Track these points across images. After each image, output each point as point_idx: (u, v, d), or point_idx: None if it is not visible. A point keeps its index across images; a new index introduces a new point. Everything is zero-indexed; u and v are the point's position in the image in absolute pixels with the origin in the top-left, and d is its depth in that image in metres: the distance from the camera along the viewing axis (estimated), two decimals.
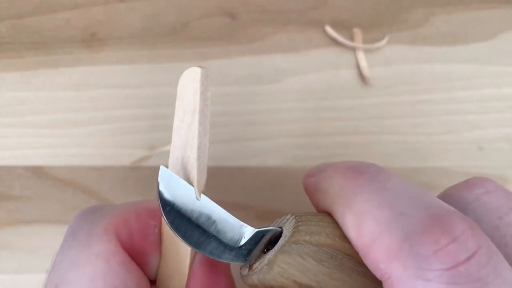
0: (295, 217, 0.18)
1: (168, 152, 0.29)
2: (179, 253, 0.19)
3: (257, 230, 0.18)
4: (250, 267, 0.18)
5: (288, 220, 0.18)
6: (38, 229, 0.29)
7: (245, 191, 0.29)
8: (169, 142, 0.29)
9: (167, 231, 0.19)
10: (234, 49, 0.30)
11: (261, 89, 0.30)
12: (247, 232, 0.18)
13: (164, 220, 0.18)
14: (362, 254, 0.16)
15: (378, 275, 0.16)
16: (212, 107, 0.30)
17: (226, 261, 0.18)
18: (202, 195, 0.17)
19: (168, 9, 0.31)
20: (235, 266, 0.19)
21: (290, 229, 0.17)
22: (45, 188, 0.29)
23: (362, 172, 0.17)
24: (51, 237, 0.29)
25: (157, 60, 0.30)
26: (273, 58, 0.30)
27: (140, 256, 0.19)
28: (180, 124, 0.18)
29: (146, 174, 0.29)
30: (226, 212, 0.18)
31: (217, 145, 0.29)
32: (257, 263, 0.18)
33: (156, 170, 0.29)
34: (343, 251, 0.17)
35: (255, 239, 0.18)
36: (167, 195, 0.17)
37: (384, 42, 0.30)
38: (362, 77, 0.30)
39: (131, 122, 0.30)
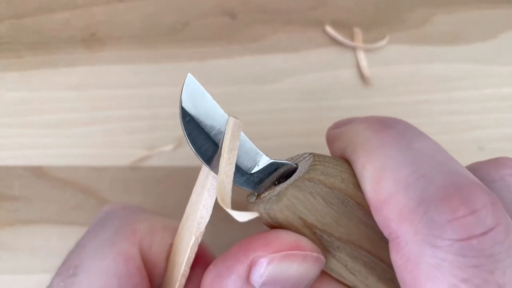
0: (313, 156, 0.17)
1: (167, 152, 0.29)
2: (174, 271, 0.19)
3: (272, 161, 0.17)
4: (258, 196, 0.18)
5: (305, 158, 0.18)
6: (38, 229, 0.29)
7: (245, 191, 0.29)
8: (169, 142, 0.29)
9: (174, 250, 0.19)
10: (234, 49, 0.30)
11: (261, 89, 0.30)
12: (262, 161, 0.17)
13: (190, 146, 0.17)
14: (374, 209, 0.16)
15: (386, 233, 0.15)
16: None
17: (236, 185, 0.17)
18: (223, 112, 0.17)
19: (168, 9, 0.31)
20: None
21: (306, 166, 0.17)
22: (44, 188, 0.29)
23: (390, 126, 0.17)
24: (51, 237, 0.29)
25: (157, 60, 0.30)
26: (273, 58, 0.30)
27: (151, 268, 0.19)
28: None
29: (146, 174, 0.29)
30: (246, 136, 0.17)
31: None
32: (266, 193, 0.17)
33: (155, 170, 0.29)
34: (355, 199, 0.16)
35: (269, 169, 0.17)
36: (189, 104, 0.16)
37: (384, 42, 0.30)
38: (362, 77, 0.30)
39: (131, 122, 0.30)
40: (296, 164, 0.18)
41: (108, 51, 0.30)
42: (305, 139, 0.30)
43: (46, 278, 0.28)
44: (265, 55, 0.30)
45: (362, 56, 0.30)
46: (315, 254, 0.16)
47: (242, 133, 0.17)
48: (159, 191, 0.29)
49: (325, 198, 0.16)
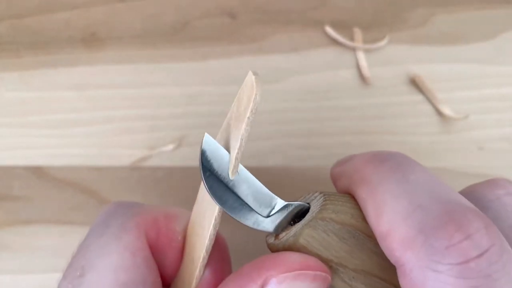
0: (323, 195, 0.18)
1: (167, 152, 0.29)
2: (194, 262, 0.19)
3: (286, 203, 0.19)
4: (276, 236, 0.19)
5: (316, 197, 0.19)
6: (38, 229, 0.29)
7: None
8: (169, 142, 0.29)
9: (189, 239, 0.20)
10: (234, 49, 0.30)
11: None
12: (278, 204, 0.19)
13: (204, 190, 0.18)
14: (379, 240, 0.17)
15: (392, 261, 0.16)
16: (212, 107, 0.30)
17: (255, 228, 0.18)
18: (240, 165, 0.18)
19: (168, 9, 0.31)
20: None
21: (318, 206, 0.18)
22: (44, 188, 0.29)
23: (386, 160, 0.18)
24: (51, 237, 0.29)
25: (157, 60, 0.30)
26: (273, 58, 0.30)
27: (161, 257, 0.20)
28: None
29: (146, 174, 0.29)
30: (260, 183, 0.18)
31: None
32: (284, 233, 0.19)
33: (155, 170, 0.29)
34: (365, 232, 0.18)
35: (284, 211, 0.19)
36: (208, 161, 0.18)
37: (384, 42, 0.30)
38: (362, 77, 0.30)
39: (131, 122, 0.30)
40: (308, 203, 0.19)
41: (108, 51, 0.30)
42: (305, 139, 0.30)
43: (46, 278, 0.28)
44: (265, 55, 0.30)
45: (362, 56, 0.30)
46: (323, 274, 0.17)
47: (256, 180, 0.18)
48: (159, 191, 0.29)
49: (337, 234, 0.17)
